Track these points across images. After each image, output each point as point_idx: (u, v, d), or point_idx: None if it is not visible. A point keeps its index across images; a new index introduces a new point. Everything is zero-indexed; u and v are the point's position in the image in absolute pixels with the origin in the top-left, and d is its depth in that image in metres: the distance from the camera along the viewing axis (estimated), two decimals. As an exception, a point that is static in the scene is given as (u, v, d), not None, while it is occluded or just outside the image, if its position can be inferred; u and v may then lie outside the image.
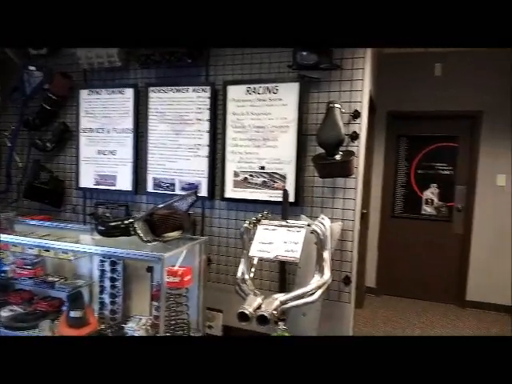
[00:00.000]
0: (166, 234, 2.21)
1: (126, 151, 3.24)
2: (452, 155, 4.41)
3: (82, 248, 2.29)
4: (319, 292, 2.07)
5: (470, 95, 4.18)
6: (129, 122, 3.22)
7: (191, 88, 3.01)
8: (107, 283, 2.62)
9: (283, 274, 2.60)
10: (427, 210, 4.53)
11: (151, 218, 2.17)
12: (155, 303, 2.33)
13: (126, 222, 2.19)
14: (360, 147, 2.69)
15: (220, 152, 2.96)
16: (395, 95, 4.36)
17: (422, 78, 4.32)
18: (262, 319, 1.84)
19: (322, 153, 2.63)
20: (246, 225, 2.30)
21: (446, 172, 4.45)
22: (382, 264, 4.64)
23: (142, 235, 2.12)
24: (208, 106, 2.96)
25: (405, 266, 4.58)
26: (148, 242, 2.15)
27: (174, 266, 2.28)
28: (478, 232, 4.29)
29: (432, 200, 4.50)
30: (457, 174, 4.41)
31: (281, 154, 2.80)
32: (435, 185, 4.48)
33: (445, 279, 4.45)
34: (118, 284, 2.58)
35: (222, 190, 2.95)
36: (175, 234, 2.25)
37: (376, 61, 3.58)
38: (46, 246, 2.40)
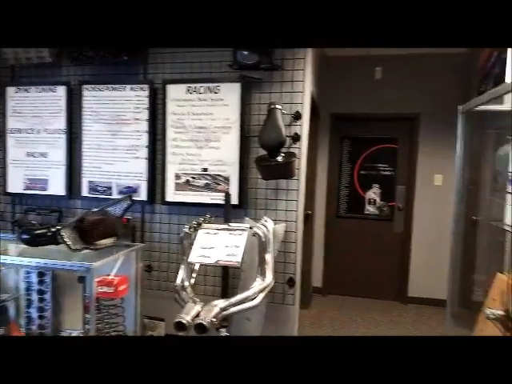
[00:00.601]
0: (98, 242, 2.07)
1: (59, 153, 3.03)
2: (392, 156, 4.57)
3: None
4: (261, 296, 2.02)
5: (408, 98, 4.34)
6: (61, 122, 3.02)
7: (128, 86, 2.87)
8: (34, 296, 2.41)
9: (226, 279, 2.54)
10: (370, 209, 4.65)
11: (81, 224, 2.02)
12: (87, 316, 2.17)
13: (52, 229, 2.01)
14: (302, 149, 2.68)
15: (160, 153, 2.84)
16: (338, 98, 4.44)
17: (363, 81, 4.43)
18: (201, 327, 1.76)
19: (264, 154, 2.59)
20: (185, 229, 2.20)
21: (387, 172, 4.60)
22: (328, 264, 4.71)
23: (69, 243, 1.96)
24: (147, 106, 2.83)
25: (350, 264, 4.67)
26: (77, 250, 1.99)
27: (108, 275, 2.14)
28: (417, 230, 4.46)
29: (374, 200, 4.63)
30: (397, 175, 4.57)
31: (224, 155, 2.73)
32: (377, 185, 4.61)
33: (388, 277, 4.59)
34: (47, 297, 2.38)
35: (163, 194, 2.83)
36: (108, 241, 2.11)
37: (318, 63, 3.62)
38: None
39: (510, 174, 1.52)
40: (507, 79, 2.19)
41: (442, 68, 4.23)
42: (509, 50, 2.33)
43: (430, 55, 4.08)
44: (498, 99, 1.81)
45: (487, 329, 2.03)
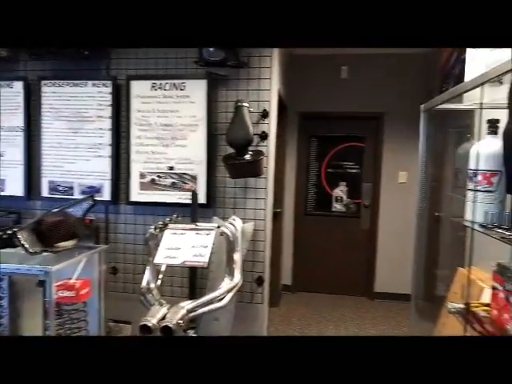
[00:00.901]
0: (58, 244, 1.98)
1: (17, 152, 2.89)
2: (359, 154, 4.65)
3: None
4: (229, 296, 2.00)
5: (373, 97, 4.42)
6: (19, 120, 2.88)
7: (90, 82, 2.77)
8: (-10, 303, 2.29)
9: (193, 280, 2.49)
10: (337, 207, 4.71)
11: (39, 226, 1.93)
12: (47, 322, 2.08)
13: (8, 231, 1.92)
14: (270, 147, 2.67)
15: (124, 152, 2.76)
16: (305, 96, 4.47)
17: (329, 79, 4.48)
18: (167, 330, 1.72)
19: (231, 153, 2.56)
20: (151, 230, 2.15)
21: (353, 170, 4.67)
22: (297, 261, 4.74)
23: (27, 246, 1.87)
24: (110, 103, 2.74)
25: (318, 261, 4.72)
26: (35, 253, 1.90)
27: (70, 278, 2.06)
28: (383, 227, 4.56)
29: (341, 197, 4.69)
30: (363, 172, 4.65)
31: (191, 153, 2.69)
32: (344, 183, 4.68)
33: (355, 273, 4.67)
34: (4, 303, 2.26)
35: (128, 193, 2.76)
36: (69, 243, 2.03)
37: (284, 61, 3.62)
38: None
39: (469, 171, 1.56)
40: (466, 79, 2.25)
41: (406, 68, 4.34)
42: (467, 50, 2.40)
43: (394, 55, 4.17)
44: (458, 98, 1.86)
45: (449, 322, 2.09)
